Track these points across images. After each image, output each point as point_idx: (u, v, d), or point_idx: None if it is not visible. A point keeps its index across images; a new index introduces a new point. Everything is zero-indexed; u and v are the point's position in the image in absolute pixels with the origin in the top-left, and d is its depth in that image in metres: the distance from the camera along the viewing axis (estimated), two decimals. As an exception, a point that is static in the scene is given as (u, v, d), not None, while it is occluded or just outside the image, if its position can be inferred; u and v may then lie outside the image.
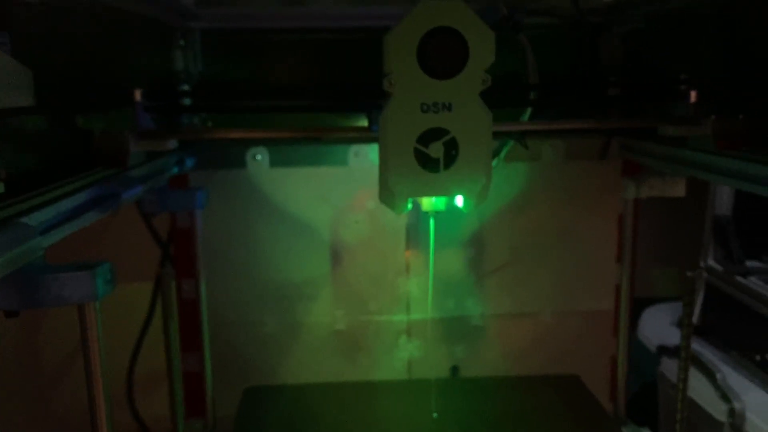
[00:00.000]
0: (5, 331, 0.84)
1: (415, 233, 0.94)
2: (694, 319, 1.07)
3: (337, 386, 0.92)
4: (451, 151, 0.59)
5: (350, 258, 0.94)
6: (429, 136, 0.59)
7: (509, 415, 0.82)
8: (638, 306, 1.23)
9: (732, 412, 0.85)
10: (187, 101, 0.86)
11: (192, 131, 0.76)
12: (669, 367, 1.02)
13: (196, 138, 0.78)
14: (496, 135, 0.86)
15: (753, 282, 0.98)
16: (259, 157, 0.90)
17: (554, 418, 0.81)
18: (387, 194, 0.61)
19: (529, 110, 0.80)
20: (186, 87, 0.89)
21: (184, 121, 0.89)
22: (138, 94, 0.69)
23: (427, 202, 0.64)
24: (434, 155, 0.59)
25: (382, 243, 0.94)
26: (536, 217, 0.94)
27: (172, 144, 0.71)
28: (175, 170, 0.83)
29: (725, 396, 0.87)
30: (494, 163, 0.86)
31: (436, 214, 0.69)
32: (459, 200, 0.62)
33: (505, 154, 0.85)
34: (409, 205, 0.62)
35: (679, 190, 0.82)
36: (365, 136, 0.78)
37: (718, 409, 0.88)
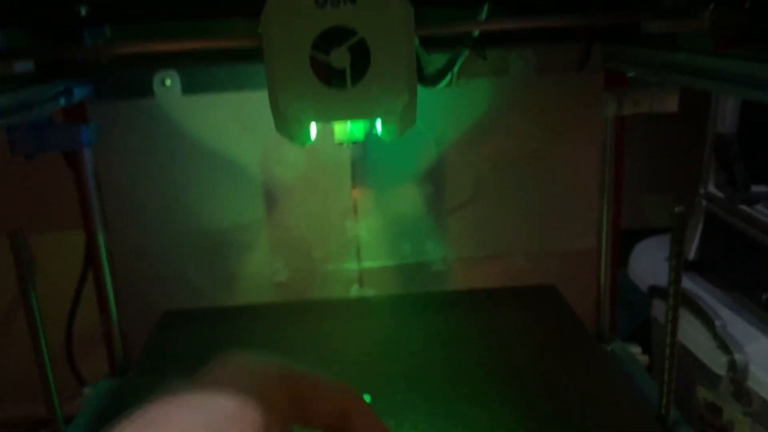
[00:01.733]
0: None
1: (362, 167, 0.80)
2: (691, 254, 0.94)
3: (272, 306, 0.80)
4: (361, 59, 0.45)
5: (287, 199, 0.81)
6: (329, 38, 0.44)
7: (477, 328, 0.70)
8: (631, 239, 1.11)
9: (732, 365, 0.73)
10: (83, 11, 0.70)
11: (52, 50, 0.60)
12: (662, 311, 0.89)
13: (57, 57, 0.63)
14: (446, 43, 0.72)
15: (759, 211, 0.84)
16: (168, 82, 0.75)
17: (526, 330, 0.70)
18: (281, 120, 0.47)
19: (485, 7, 0.65)
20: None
21: (87, 39, 0.73)
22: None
23: (341, 130, 0.50)
24: (338, 65, 0.45)
25: (324, 180, 0.80)
26: (504, 144, 0.80)
27: (20, 67, 0.55)
28: (62, 102, 0.68)
29: (725, 346, 0.74)
30: (447, 79, 0.72)
31: (364, 144, 0.55)
32: (378, 125, 0.48)
33: (460, 67, 0.71)
34: (313, 134, 0.48)
35: (670, 104, 0.67)
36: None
37: (716, 362, 0.76)
